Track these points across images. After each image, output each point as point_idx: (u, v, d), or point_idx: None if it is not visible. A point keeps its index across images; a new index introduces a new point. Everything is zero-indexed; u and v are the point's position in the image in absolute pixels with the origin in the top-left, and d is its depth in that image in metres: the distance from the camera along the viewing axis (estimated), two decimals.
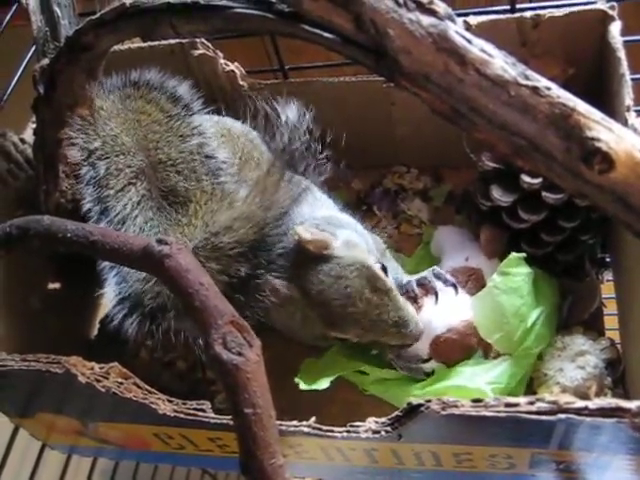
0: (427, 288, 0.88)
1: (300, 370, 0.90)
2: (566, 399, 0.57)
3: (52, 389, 0.83)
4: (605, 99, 0.85)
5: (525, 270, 0.84)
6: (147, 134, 0.91)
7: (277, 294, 0.81)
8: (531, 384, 0.86)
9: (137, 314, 0.82)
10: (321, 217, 0.87)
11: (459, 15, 0.58)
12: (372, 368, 0.90)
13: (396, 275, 0.91)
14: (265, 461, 0.53)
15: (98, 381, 0.74)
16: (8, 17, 1.12)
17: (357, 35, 0.59)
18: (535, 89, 0.54)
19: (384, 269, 0.82)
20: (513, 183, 0.87)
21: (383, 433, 0.68)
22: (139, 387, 0.75)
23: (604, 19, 0.85)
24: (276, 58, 1.10)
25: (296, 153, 0.84)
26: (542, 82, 0.54)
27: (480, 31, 0.85)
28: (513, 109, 0.54)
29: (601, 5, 0.85)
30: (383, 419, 0.68)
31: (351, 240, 0.83)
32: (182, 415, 0.73)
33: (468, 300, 0.88)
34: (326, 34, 0.61)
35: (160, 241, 0.61)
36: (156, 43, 1.04)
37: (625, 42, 0.82)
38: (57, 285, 1.06)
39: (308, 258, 0.81)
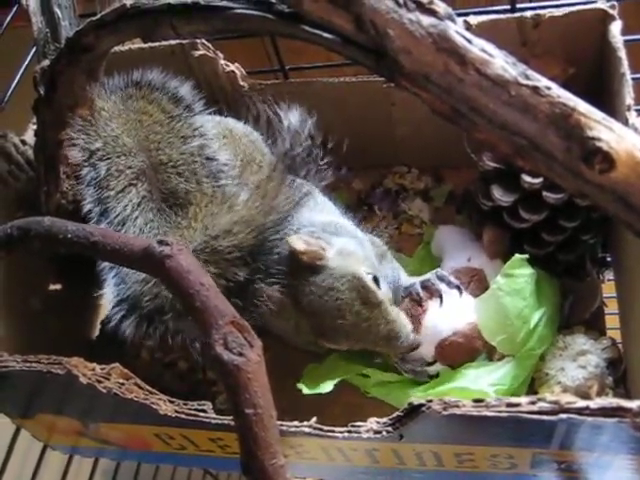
0: (431, 291, 0.88)
1: (303, 375, 0.90)
2: (567, 399, 0.57)
3: (53, 390, 0.83)
4: (606, 98, 0.85)
5: (528, 271, 0.84)
6: (148, 135, 0.91)
7: (271, 301, 0.81)
8: (532, 384, 0.86)
9: (135, 316, 0.82)
10: (318, 224, 0.86)
11: (459, 15, 0.58)
12: (374, 371, 0.90)
13: (398, 277, 0.91)
14: (266, 461, 0.53)
15: (99, 382, 0.74)
16: (9, 18, 1.12)
17: (357, 35, 0.59)
18: (535, 89, 0.54)
19: (376, 280, 0.81)
20: (514, 183, 0.87)
21: (384, 433, 0.68)
22: (140, 388, 0.75)
23: (604, 18, 0.85)
24: (276, 59, 1.10)
25: (298, 158, 0.84)
26: (542, 82, 0.54)
27: (480, 31, 0.85)
28: (513, 109, 0.54)
29: (601, 4, 0.85)
30: (384, 419, 0.68)
31: (346, 249, 0.83)
32: (183, 416, 0.73)
33: (472, 302, 0.88)
34: (326, 34, 0.61)
35: (161, 242, 0.61)
36: (157, 44, 1.04)
37: (625, 41, 0.82)
38: (58, 286, 1.06)
39: (301, 268, 0.81)
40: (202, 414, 0.73)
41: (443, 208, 1.10)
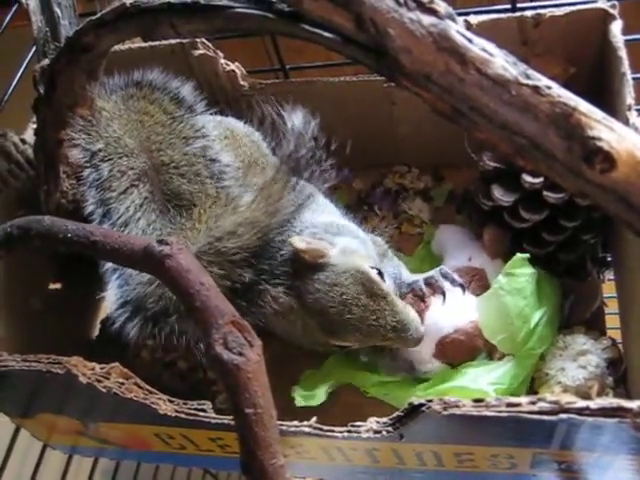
0: (434, 287, 0.88)
1: (300, 381, 0.90)
2: (567, 399, 0.57)
3: (53, 389, 0.83)
4: (606, 98, 0.84)
5: (529, 271, 0.84)
6: (150, 135, 0.91)
7: (277, 304, 0.81)
8: (532, 384, 0.86)
9: (139, 318, 0.82)
10: (320, 224, 0.87)
11: (460, 14, 0.58)
12: (372, 375, 0.90)
13: (400, 274, 0.91)
14: (266, 461, 0.53)
15: (99, 381, 0.74)
16: (8, 17, 1.12)
17: (357, 35, 0.59)
18: (536, 88, 0.54)
19: (380, 274, 0.82)
20: (514, 183, 0.87)
21: (384, 433, 0.68)
22: (140, 387, 0.75)
23: (605, 18, 0.85)
24: (277, 58, 1.10)
25: (302, 160, 0.84)
26: (543, 81, 0.54)
27: (481, 30, 0.85)
28: (514, 108, 0.54)
29: (602, 4, 0.85)
30: (384, 419, 0.68)
31: (348, 247, 0.83)
32: (183, 415, 0.73)
33: (474, 301, 0.88)
34: (326, 34, 0.61)
35: (161, 241, 0.61)
36: (156, 43, 1.04)
37: (626, 41, 0.81)
38: (58, 285, 1.06)
39: (304, 267, 0.81)
40: (202, 414, 0.73)
41: (443, 208, 1.10)
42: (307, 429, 0.70)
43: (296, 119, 0.86)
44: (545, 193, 0.84)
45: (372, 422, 0.69)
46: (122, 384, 0.75)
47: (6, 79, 1.09)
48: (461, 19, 0.57)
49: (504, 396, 0.64)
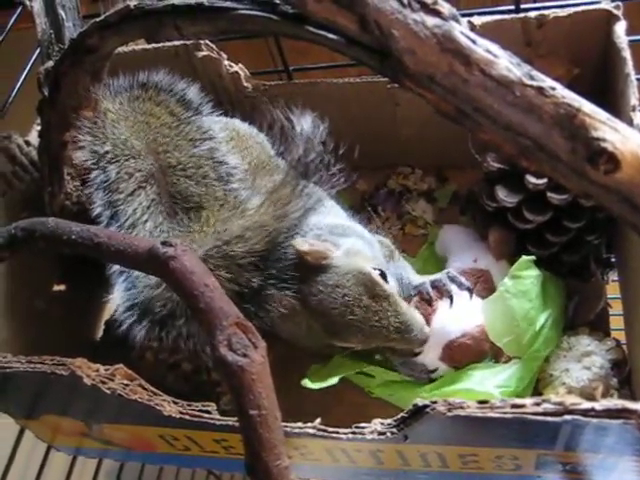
0: (442, 291, 0.87)
1: (307, 375, 0.90)
2: (572, 400, 0.57)
3: (57, 391, 0.83)
4: (610, 99, 0.84)
5: (535, 273, 0.84)
6: (157, 137, 0.91)
7: (282, 306, 0.81)
8: (537, 385, 0.86)
9: (147, 321, 0.82)
10: (325, 226, 0.87)
11: (463, 15, 0.58)
12: (378, 370, 0.90)
13: (407, 276, 0.91)
14: (270, 462, 0.53)
15: (103, 383, 0.74)
16: (13, 20, 1.13)
17: (361, 36, 0.59)
18: (540, 89, 0.54)
19: (383, 275, 0.82)
20: (518, 184, 0.87)
21: (389, 434, 0.68)
22: (144, 389, 0.75)
23: (609, 19, 0.85)
24: (280, 59, 1.10)
25: (310, 165, 0.84)
26: (547, 82, 0.54)
27: (484, 31, 0.85)
28: (518, 109, 0.54)
29: (606, 5, 0.85)
30: (389, 420, 0.68)
31: (353, 248, 0.83)
32: (187, 417, 0.73)
33: (481, 304, 0.88)
34: (330, 35, 0.61)
35: (165, 243, 0.61)
36: (160, 45, 1.04)
37: (630, 42, 0.81)
38: (62, 287, 1.06)
39: (308, 269, 0.81)
40: (206, 415, 0.73)
41: (447, 209, 1.10)
42: (311, 430, 0.70)
43: (305, 123, 0.86)
44: (549, 194, 0.84)
45: (376, 423, 0.69)
46: (126, 385, 0.75)
47: (10, 81, 1.09)
48: (465, 20, 0.57)
49: (509, 397, 0.64)
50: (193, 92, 0.95)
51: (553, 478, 0.74)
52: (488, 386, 0.82)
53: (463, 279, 0.88)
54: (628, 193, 0.53)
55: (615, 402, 0.56)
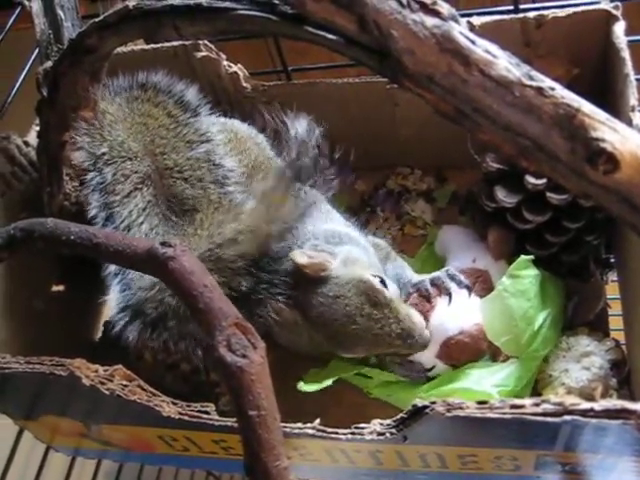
0: (440, 288, 0.87)
1: (305, 379, 0.90)
2: (571, 400, 0.57)
3: (56, 392, 0.83)
4: (609, 99, 0.84)
5: (533, 272, 0.84)
6: (154, 139, 0.91)
7: (280, 317, 0.81)
8: (536, 385, 0.86)
9: (138, 322, 0.82)
10: (322, 234, 0.87)
11: (462, 15, 0.58)
12: (375, 371, 0.90)
13: (405, 274, 0.91)
14: (270, 463, 0.53)
15: (102, 384, 0.74)
16: (11, 20, 1.13)
17: (360, 36, 0.59)
18: (539, 89, 0.54)
19: (382, 282, 0.82)
20: (517, 184, 0.87)
21: (388, 435, 0.67)
22: (143, 389, 0.75)
23: (608, 19, 0.85)
24: (279, 59, 1.10)
25: (304, 168, 0.84)
26: (546, 82, 0.54)
27: (484, 31, 0.85)
28: (517, 110, 0.54)
29: (605, 5, 0.85)
30: (388, 421, 0.68)
31: (350, 257, 0.83)
32: (186, 417, 0.73)
33: (479, 302, 0.88)
34: (329, 35, 0.61)
35: (164, 243, 0.61)
36: (159, 45, 1.04)
37: (629, 42, 0.81)
38: (61, 287, 1.06)
39: (307, 281, 0.81)
40: (205, 416, 0.73)
41: (446, 209, 1.10)
42: (310, 431, 0.70)
43: (300, 127, 0.86)
44: (548, 194, 0.84)
45: (375, 424, 0.69)
46: (125, 386, 0.75)
47: (9, 81, 1.09)
48: (464, 20, 0.57)
49: (508, 398, 0.64)
50: (192, 93, 0.95)
51: (552, 478, 0.74)
52: (486, 385, 0.82)
53: (462, 277, 0.88)
54: (627, 193, 0.53)
55: (614, 402, 0.56)
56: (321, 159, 0.86)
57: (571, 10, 0.87)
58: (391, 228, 1.10)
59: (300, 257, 0.80)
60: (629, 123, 0.74)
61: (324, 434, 0.69)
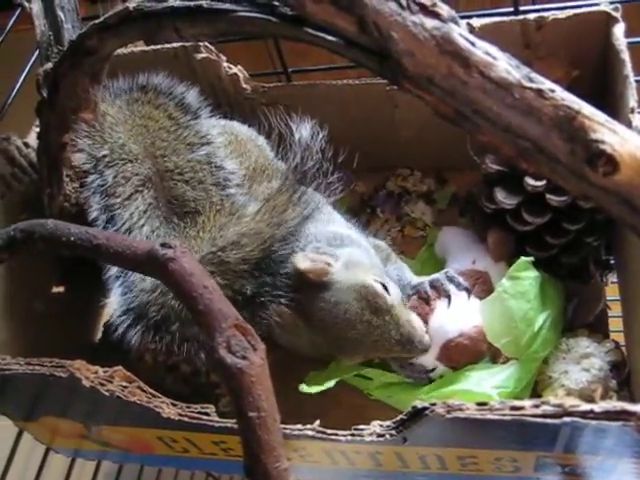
0: (440, 290, 0.88)
1: (305, 381, 0.90)
2: (571, 402, 0.57)
3: (56, 393, 0.83)
4: (609, 101, 0.84)
5: (533, 274, 0.84)
6: (155, 141, 0.91)
7: (282, 319, 0.81)
8: (536, 387, 0.86)
9: (141, 325, 0.82)
10: (323, 237, 0.87)
11: (462, 17, 0.58)
12: (376, 373, 0.90)
13: (404, 277, 0.91)
14: (269, 465, 0.53)
15: (102, 385, 0.74)
16: (12, 21, 1.13)
17: (360, 38, 0.59)
18: (539, 91, 0.54)
19: (384, 287, 0.82)
20: (517, 185, 0.87)
21: (388, 436, 0.67)
22: (143, 391, 0.75)
23: (608, 21, 0.85)
24: (279, 61, 1.10)
25: (308, 172, 0.84)
26: (546, 84, 0.54)
27: (483, 33, 0.85)
28: (517, 111, 0.54)
29: (605, 7, 0.85)
30: (388, 422, 0.68)
31: (352, 260, 0.83)
32: (186, 419, 0.73)
33: (478, 304, 0.88)
34: (329, 37, 0.61)
35: (164, 245, 0.61)
36: (159, 47, 1.04)
37: (629, 43, 0.82)
38: (61, 289, 1.06)
39: (308, 286, 0.81)
40: (205, 417, 0.73)
41: (446, 211, 1.10)
42: (310, 432, 0.70)
43: (304, 131, 0.86)
44: (548, 196, 0.84)
45: (375, 425, 0.69)
46: (125, 387, 0.75)
47: (9, 83, 1.09)
48: (464, 22, 0.57)
49: (508, 399, 0.64)
50: (192, 95, 0.95)
51: None
52: (486, 387, 0.82)
53: (461, 279, 0.88)
54: (627, 195, 0.53)
55: (614, 404, 0.56)
56: (325, 163, 0.86)
57: (571, 12, 0.87)
58: (391, 229, 1.10)
59: (302, 262, 0.80)
60: (629, 125, 0.74)
61: (324, 435, 0.69)
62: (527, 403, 0.59)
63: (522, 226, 0.88)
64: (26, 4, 0.98)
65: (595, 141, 0.52)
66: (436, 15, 0.55)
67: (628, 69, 0.78)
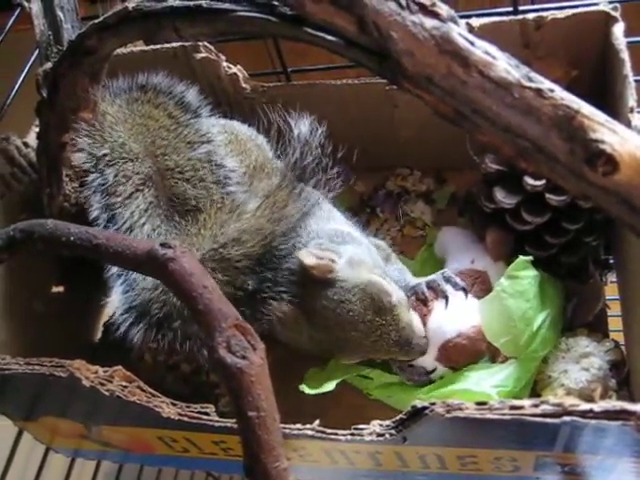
0: (437, 291, 0.88)
1: (305, 379, 0.90)
2: (571, 401, 0.57)
3: (56, 393, 0.83)
4: (608, 100, 0.84)
5: (532, 273, 0.84)
6: (155, 140, 0.91)
7: (282, 314, 0.81)
8: (535, 386, 0.86)
9: (143, 323, 0.82)
10: (325, 234, 0.87)
11: (462, 17, 0.58)
12: (377, 373, 0.90)
13: (404, 278, 0.91)
14: (269, 464, 0.53)
15: (102, 385, 0.74)
16: (11, 21, 1.13)
17: (360, 37, 0.59)
18: (539, 91, 0.54)
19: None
20: (516, 185, 0.87)
21: (387, 436, 0.68)
22: (143, 390, 0.75)
23: (607, 20, 0.85)
24: (279, 61, 1.10)
25: (308, 168, 0.84)
26: (545, 84, 0.54)
27: (483, 33, 0.85)
28: (517, 111, 0.54)
29: (604, 6, 0.85)
30: (387, 422, 0.68)
31: (354, 258, 0.83)
32: (186, 418, 0.73)
33: (477, 304, 0.88)
34: (329, 37, 0.61)
35: (164, 244, 0.61)
36: (159, 46, 1.04)
37: (628, 43, 0.81)
38: (61, 289, 1.06)
39: (312, 282, 0.81)
40: (205, 417, 0.73)
41: (445, 210, 1.10)
42: (310, 432, 0.70)
43: (303, 127, 0.86)
44: (547, 195, 0.84)
45: (375, 425, 0.69)
46: (125, 387, 0.75)
47: (9, 82, 1.09)
48: (463, 22, 0.57)
49: (507, 399, 0.64)
50: (192, 94, 0.95)
51: (552, 479, 0.74)
52: (485, 386, 0.82)
53: (458, 279, 0.88)
54: (626, 194, 0.53)
55: (614, 403, 0.56)
56: (324, 159, 0.86)
57: (570, 11, 0.87)
58: (390, 229, 1.10)
59: (307, 258, 0.80)
60: (628, 124, 0.74)
61: (324, 435, 0.69)
62: (527, 402, 0.59)
63: (521, 226, 0.88)
64: (25, 4, 0.98)
65: (594, 141, 0.52)
66: (435, 15, 0.55)
67: (627, 69, 0.78)
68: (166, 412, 0.74)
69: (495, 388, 0.82)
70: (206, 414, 0.73)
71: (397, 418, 0.67)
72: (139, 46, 1.06)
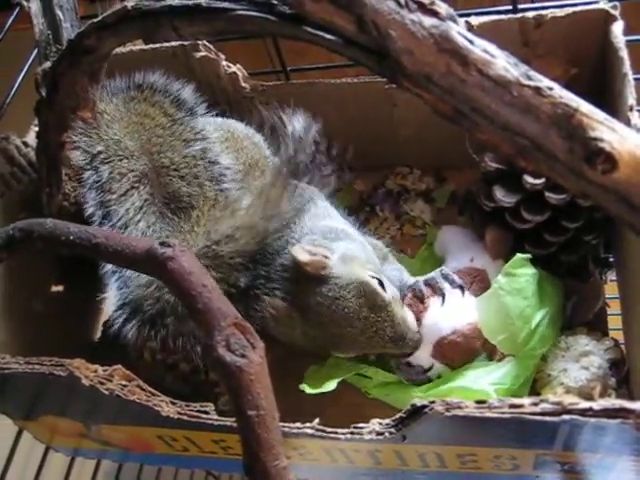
0: (434, 288, 0.88)
1: (305, 377, 0.90)
2: (570, 400, 0.57)
3: (55, 392, 0.83)
4: (608, 99, 0.84)
5: (530, 271, 0.84)
6: (150, 138, 0.91)
7: (275, 311, 0.81)
8: (535, 385, 0.86)
9: (137, 320, 0.82)
10: (319, 230, 0.86)
11: (461, 15, 0.58)
12: (375, 371, 0.90)
13: (401, 277, 0.91)
14: (269, 463, 0.53)
15: (101, 384, 0.74)
16: (10, 20, 1.13)
17: (359, 36, 0.59)
18: (538, 89, 0.54)
19: (381, 284, 0.82)
20: (516, 184, 0.87)
21: (387, 435, 0.68)
22: (142, 389, 0.75)
23: (606, 19, 0.85)
24: (278, 60, 1.10)
25: (301, 164, 0.84)
26: (545, 82, 0.54)
27: (482, 31, 0.85)
28: (516, 109, 0.54)
29: (603, 5, 0.85)
30: (387, 420, 0.68)
31: (348, 254, 0.83)
32: (186, 417, 0.73)
33: (474, 302, 0.88)
34: (328, 36, 0.61)
35: (163, 243, 0.61)
36: (158, 45, 1.04)
37: (627, 41, 0.82)
38: (60, 288, 1.06)
39: (306, 278, 0.81)
40: (204, 416, 0.73)
41: (445, 209, 1.10)
42: (310, 431, 0.70)
43: (297, 123, 0.86)
44: (547, 194, 0.84)
45: (375, 424, 0.69)
46: (125, 386, 0.75)
47: (8, 82, 1.09)
48: (462, 20, 0.57)
49: (506, 397, 0.64)
50: (188, 92, 0.95)
51: (551, 478, 0.74)
52: (483, 384, 0.82)
53: (456, 277, 0.88)
54: (625, 193, 0.53)
55: (613, 402, 0.56)
56: (318, 155, 0.86)
57: (570, 10, 0.87)
58: (390, 228, 1.10)
59: (301, 254, 0.80)
60: (627, 123, 0.74)
61: (323, 434, 0.69)
62: (526, 401, 0.59)
63: (521, 224, 0.88)
64: (25, 3, 0.98)
65: (594, 139, 0.52)
66: (434, 13, 0.55)
67: (627, 67, 0.78)
68: (165, 411, 0.74)
69: (493, 385, 0.82)
70: (205, 413, 0.73)
71: (397, 417, 0.67)
72: (138, 45, 1.06)
